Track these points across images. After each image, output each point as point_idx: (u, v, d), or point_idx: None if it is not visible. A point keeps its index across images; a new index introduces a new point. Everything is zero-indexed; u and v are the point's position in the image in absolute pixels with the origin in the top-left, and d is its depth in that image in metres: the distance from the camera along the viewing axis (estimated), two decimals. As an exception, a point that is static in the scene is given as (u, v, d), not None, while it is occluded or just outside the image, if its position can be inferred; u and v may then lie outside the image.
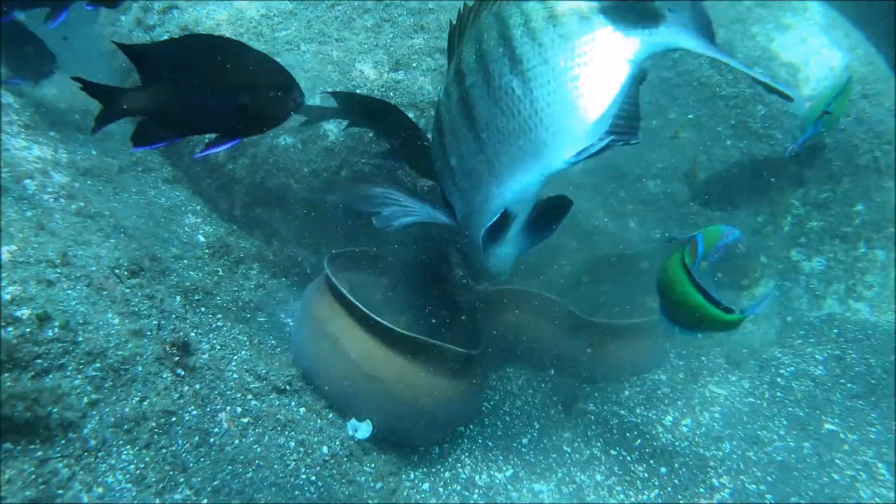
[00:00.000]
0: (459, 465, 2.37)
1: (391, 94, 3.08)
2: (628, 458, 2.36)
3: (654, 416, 2.54)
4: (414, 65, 3.13)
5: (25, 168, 2.64)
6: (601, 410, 2.56)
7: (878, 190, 3.08)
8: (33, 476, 1.66)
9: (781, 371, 2.73)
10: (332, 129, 3.06)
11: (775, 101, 3.01)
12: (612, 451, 2.39)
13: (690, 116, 2.99)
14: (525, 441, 2.45)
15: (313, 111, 2.79)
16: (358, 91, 3.03)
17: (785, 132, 3.00)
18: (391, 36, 3.23)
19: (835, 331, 3.03)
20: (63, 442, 1.77)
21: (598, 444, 2.43)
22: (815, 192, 3.10)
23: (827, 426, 2.42)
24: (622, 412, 2.57)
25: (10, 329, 1.91)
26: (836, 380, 2.63)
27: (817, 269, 3.17)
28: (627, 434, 2.46)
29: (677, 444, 2.41)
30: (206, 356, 2.21)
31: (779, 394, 2.60)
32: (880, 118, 3.15)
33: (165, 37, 3.41)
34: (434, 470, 2.34)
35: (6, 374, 1.80)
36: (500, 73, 2.01)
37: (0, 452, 1.67)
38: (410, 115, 3.07)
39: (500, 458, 2.39)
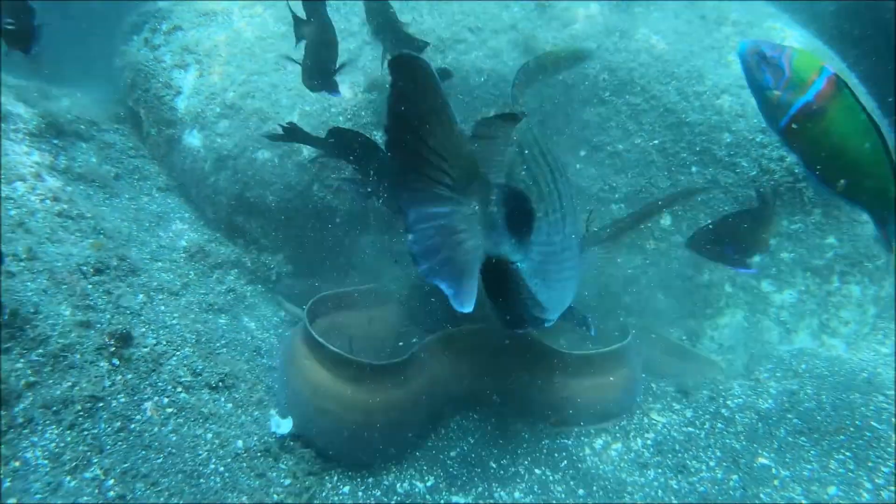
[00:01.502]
0: (384, 472, 2.43)
1: (363, 112, 3.23)
2: (551, 477, 2.36)
3: (586, 440, 2.52)
4: (387, 86, 3.25)
5: (19, 171, 2.89)
6: (535, 430, 2.57)
7: (850, 223, 2.98)
8: (-44, 445, 1.83)
9: (728, 402, 2.67)
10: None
11: (742, 128, 2.98)
12: (537, 470, 2.40)
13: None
14: (453, 454, 2.49)
15: (297, 133, 2.85)
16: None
17: (751, 160, 2.95)
18: (370, 58, 3.38)
19: (803, 366, 2.93)
20: (-7, 418, 1.95)
21: (525, 462, 2.44)
22: (786, 223, 3.02)
23: (761, 460, 2.35)
24: (555, 431, 2.57)
25: (-37, 314, 2.12)
26: (782, 414, 2.55)
27: (788, 301, 3.08)
28: (555, 454, 2.46)
29: (602, 467, 2.39)
30: (146, 349, 2.36)
31: (719, 425, 2.54)
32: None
33: (168, 56, 3.68)
34: (358, 474, 2.40)
35: (-49, 353, 2.00)
36: None
37: (-71, 421, 1.85)
38: (379, 134, 3.20)
39: (425, 468, 2.43)
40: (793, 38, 3.21)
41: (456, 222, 1.33)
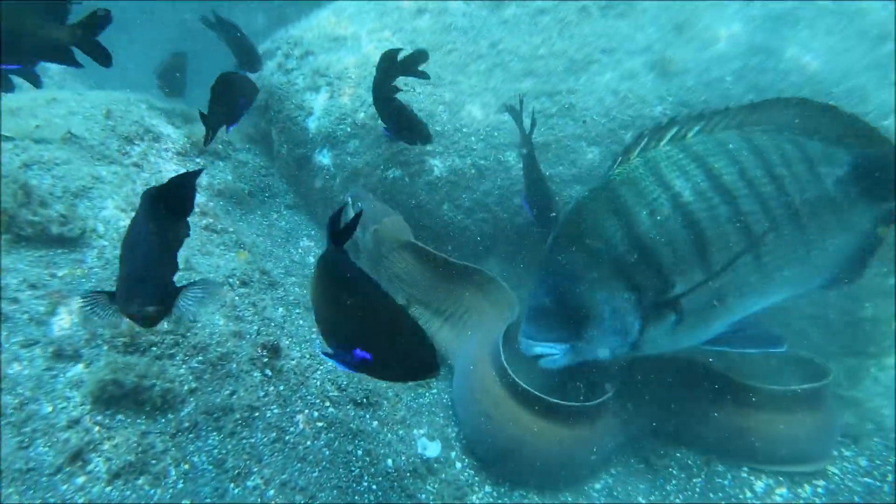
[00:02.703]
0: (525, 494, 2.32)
1: (496, 133, 3.20)
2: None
3: (747, 480, 2.34)
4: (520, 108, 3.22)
5: (170, 186, 3.03)
6: (684, 465, 2.40)
7: None
8: (135, 444, 1.88)
9: None
10: (437, 164, 3.22)
11: None
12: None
13: None
14: (598, 486, 2.36)
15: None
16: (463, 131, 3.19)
17: None
18: (501, 79, 3.37)
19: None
20: (163, 421, 1.99)
21: (678, 499, 2.28)
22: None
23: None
24: (711, 469, 2.39)
25: (133, 318, 2.20)
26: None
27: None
28: (710, 494, 2.29)
29: (768, 513, 2.19)
30: (293, 362, 2.37)
31: None
32: None
33: (301, 79, 3.81)
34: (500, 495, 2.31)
35: (130, 357, 2.07)
36: None
37: (114, 422, 1.91)
38: (512, 154, 3.17)
39: (570, 498, 2.31)
40: None
41: None
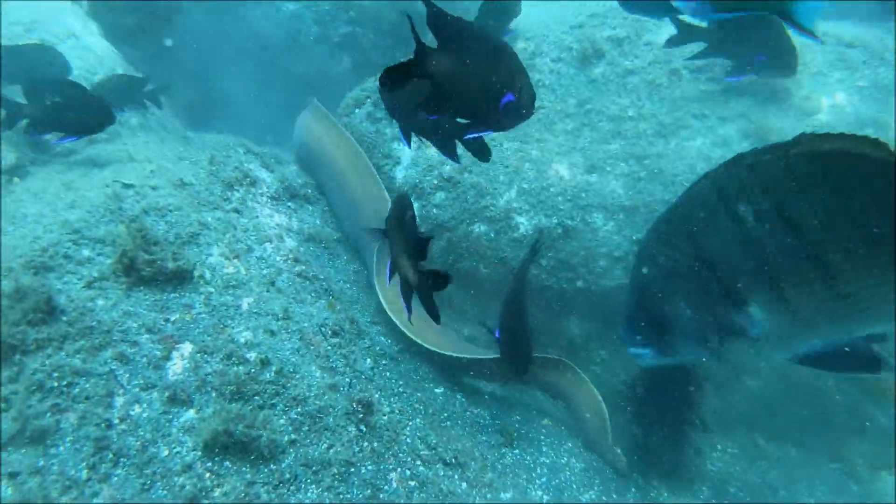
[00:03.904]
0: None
1: (583, 194, 3.24)
2: None
3: None
4: (608, 169, 3.26)
5: (268, 233, 3.18)
6: None
7: None
8: (243, 494, 1.96)
9: None
10: (524, 221, 3.27)
11: None
12: None
13: None
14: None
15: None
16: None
17: None
18: (589, 140, 3.42)
19: None
20: (266, 471, 2.07)
21: None
22: None
23: None
24: None
25: (239, 367, 2.31)
26: None
27: None
28: None
29: None
30: (385, 418, 2.43)
31: None
32: None
33: (389, 129, 3.94)
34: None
35: (234, 404, 2.17)
36: None
37: (222, 469, 2.00)
38: (599, 216, 3.19)
39: None
40: None
41: None
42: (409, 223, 2.04)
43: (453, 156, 2.33)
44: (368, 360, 2.81)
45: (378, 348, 2.95)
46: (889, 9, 3.64)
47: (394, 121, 2.67)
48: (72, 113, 2.98)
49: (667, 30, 3.76)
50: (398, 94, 2.21)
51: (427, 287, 1.83)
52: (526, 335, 2.64)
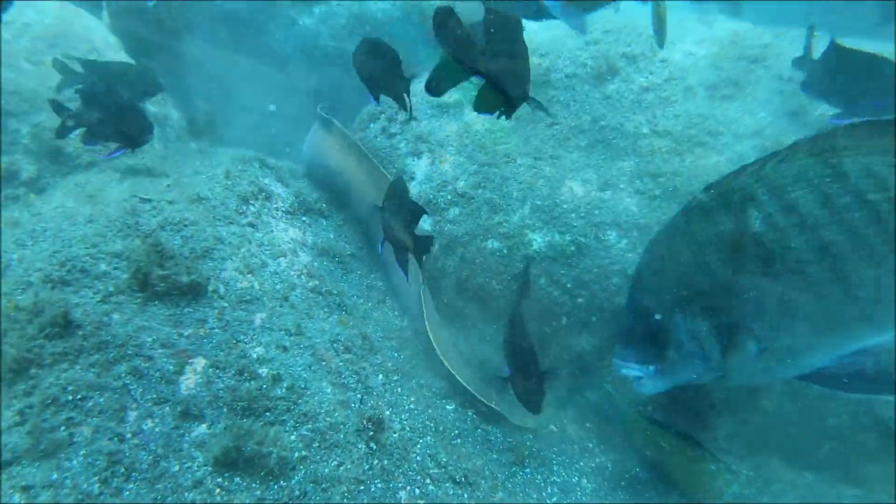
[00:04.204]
0: None
1: (596, 211, 3.23)
2: None
3: None
4: (622, 186, 3.25)
5: (282, 248, 3.20)
6: None
7: None
8: (251, 511, 1.96)
9: None
10: (537, 238, 3.27)
11: None
12: None
13: None
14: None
15: None
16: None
17: None
18: (603, 157, 3.41)
19: None
20: (276, 487, 2.07)
21: None
22: None
23: None
24: None
25: (251, 383, 2.32)
26: None
27: None
28: None
29: None
30: (396, 435, 2.43)
31: None
32: None
33: (403, 144, 3.97)
34: None
35: (245, 420, 2.18)
36: None
37: (232, 485, 2.01)
38: (612, 234, 3.18)
39: None
40: None
41: None
42: (402, 196, 2.31)
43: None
44: (380, 375, 2.81)
45: (390, 364, 2.94)
46: (889, 12, 3.59)
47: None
48: (120, 125, 3.02)
49: (680, 47, 3.76)
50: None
51: (419, 249, 2.26)
52: (538, 376, 2.47)
